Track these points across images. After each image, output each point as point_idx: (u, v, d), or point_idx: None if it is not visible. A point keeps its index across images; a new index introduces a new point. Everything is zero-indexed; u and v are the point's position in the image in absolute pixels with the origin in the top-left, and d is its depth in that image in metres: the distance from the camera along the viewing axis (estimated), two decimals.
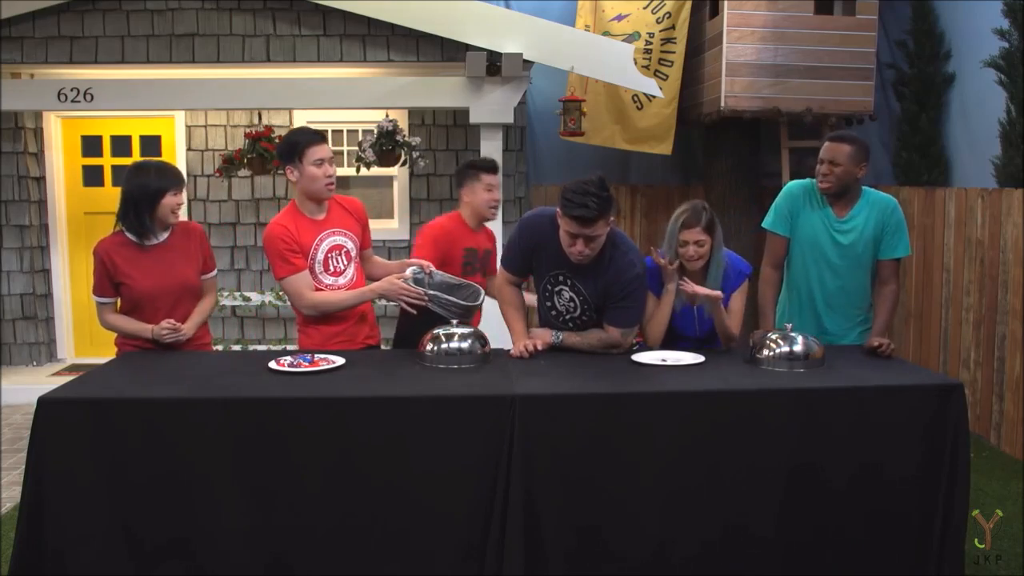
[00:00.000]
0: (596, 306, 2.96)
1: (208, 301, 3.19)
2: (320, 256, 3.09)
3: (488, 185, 3.49)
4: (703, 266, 2.99)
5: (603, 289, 2.90)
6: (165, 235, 3.08)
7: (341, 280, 3.14)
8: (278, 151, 3.17)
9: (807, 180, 3.31)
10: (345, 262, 3.16)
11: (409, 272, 3.07)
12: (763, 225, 3.37)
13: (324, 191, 3.08)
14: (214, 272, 3.22)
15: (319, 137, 3.09)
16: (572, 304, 2.98)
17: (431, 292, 3.00)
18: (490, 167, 3.53)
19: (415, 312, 2.99)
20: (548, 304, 3.05)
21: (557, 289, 2.99)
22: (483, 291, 3.21)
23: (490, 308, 3.32)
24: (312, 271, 3.08)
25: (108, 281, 3.03)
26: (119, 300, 3.08)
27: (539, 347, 2.92)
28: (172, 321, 2.99)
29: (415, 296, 2.98)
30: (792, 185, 3.32)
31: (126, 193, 3.01)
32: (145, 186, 2.98)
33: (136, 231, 3.01)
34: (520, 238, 3.01)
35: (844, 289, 3.23)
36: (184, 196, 3.09)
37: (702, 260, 2.95)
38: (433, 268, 3.18)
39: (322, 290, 3.09)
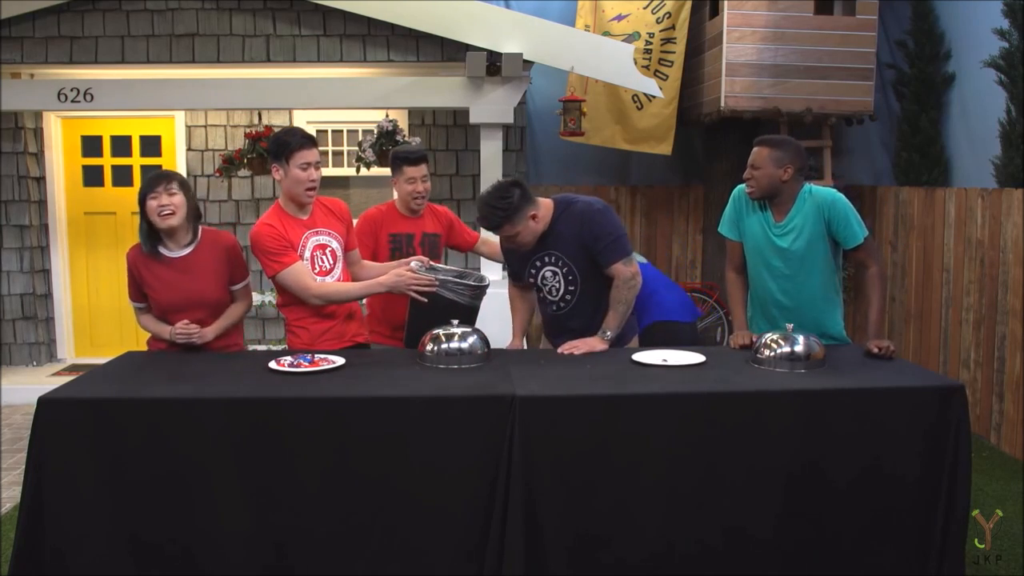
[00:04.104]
0: (580, 267, 3.00)
1: (238, 308, 3.14)
2: (306, 255, 3.07)
3: (409, 177, 3.47)
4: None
5: (579, 241, 2.97)
6: (191, 247, 3.02)
7: (328, 280, 3.11)
8: (268, 147, 3.14)
9: None
10: (331, 261, 3.14)
11: (414, 265, 3.07)
12: (718, 230, 3.37)
13: (304, 195, 3.05)
14: (246, 280, 3.16)
15: (309, 141, 3.04)
16: (556, 279, 3.03)
17: (441, 277, 3.01)
18: (412, 158, 3.48)
19: (425, 301, 2.98)
20: (541, 298, 3.15)
21: (541, 275, 3.08)
22: (487, 276, 3.23)
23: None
24: None
25: (137, 289, 3.05)
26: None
27: (597, 349, 2.94)
28: (187, 322, 2.97)
29: (425, 283, 2.98)
30: (738, 189, 3.26)
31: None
32: (138, 195, 2.95)
33: (144, 241, 2.99)
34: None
35: (794, 293, 3.12)
36: (175, 198, 2.93)
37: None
38: (432, 263, 3.18)
39: None
